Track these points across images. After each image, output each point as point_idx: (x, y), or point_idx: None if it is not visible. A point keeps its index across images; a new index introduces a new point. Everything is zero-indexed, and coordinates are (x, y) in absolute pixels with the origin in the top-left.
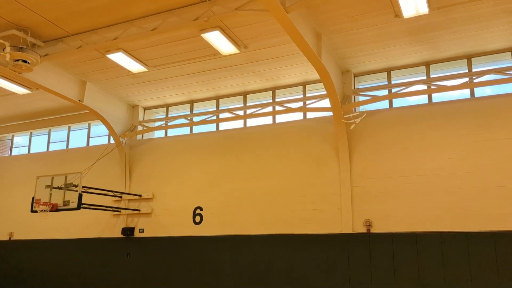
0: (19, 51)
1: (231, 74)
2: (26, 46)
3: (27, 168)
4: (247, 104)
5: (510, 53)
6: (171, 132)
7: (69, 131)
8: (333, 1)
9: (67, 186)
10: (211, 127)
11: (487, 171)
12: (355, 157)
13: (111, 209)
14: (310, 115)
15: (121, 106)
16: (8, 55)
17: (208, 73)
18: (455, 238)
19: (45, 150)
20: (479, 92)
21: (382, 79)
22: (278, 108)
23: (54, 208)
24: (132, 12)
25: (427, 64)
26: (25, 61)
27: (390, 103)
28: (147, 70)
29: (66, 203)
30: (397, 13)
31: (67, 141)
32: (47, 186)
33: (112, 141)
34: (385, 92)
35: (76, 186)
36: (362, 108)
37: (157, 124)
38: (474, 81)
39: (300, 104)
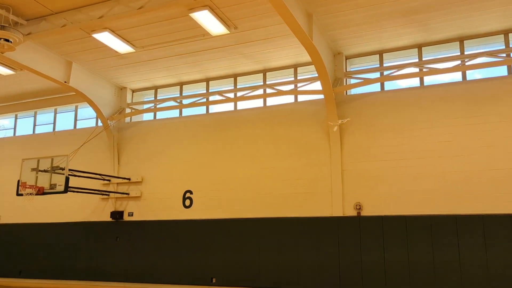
0: (1, 29)
1: (221, 55)
2: (8, 24)
3: (13, 151)
4: (238, 87)
5: (502, 35)
6: (160, 115)
7: (55, 113)
8: None
9: (54, 169)
10: (201, 110)
11: (477, 154)
12: (346, 140)
13: (100, 192)
14: (301, 98)
15: (109, 88)
16: None
17: (197, 55)
18: (444, 221)
19: (31, 133)
20: (471, 75)
21: (374, 62)
22: (268, 90)
23: (41, 192)
24: None
25: (419, 47)
26: (7, 40)
27: (382, 86)
28: (134, 50)
29: (52, 186)
30: None
31: (54, 123)
32: (33, 169)
33: (100, 123)
34: (377, 74)
35: (62, 169)
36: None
37: (145, 106)
38: (466, 64)
39: (291, 86)
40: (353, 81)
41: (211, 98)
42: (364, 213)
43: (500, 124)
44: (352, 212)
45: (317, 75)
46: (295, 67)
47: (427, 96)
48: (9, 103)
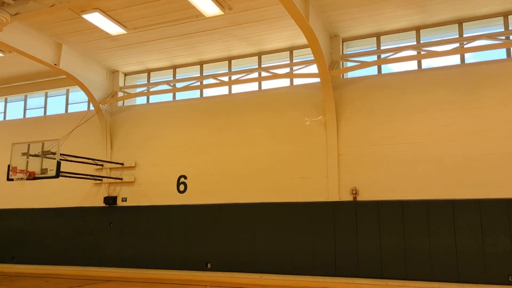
0: None
1: (215, 37)
2: None
3: (3, 135)
4: (232, 70)
5: (502, 18)
6: (153, 99)
7: (46, 97)
8: None
9: (45, 154)
10: (195, 94)
11: (474, 138)
12: (342, 124)
13: (92, 177)
14: (297, 81)
15: (101, 71)
16: None
17: (191, 37)
18: (441, 205)
19: (22, 117)
20: (470, 57)
21: (371, 45)
22: (264, 74)
23: (32, 176)
24: None
25: (417, 29)
26: None
27: (379, 69)
28: (126, 32)
29: (44, 171)
30: None
31: (45, 107)
32: (23, 154)
33: (91, 107)
34: (374, 58)
35: (54, 153)
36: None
37: (138, 90)
38: (465, 46)
39: (287, 70)
40: (349, 64)
41: (205, 82)
42: (360, 198)
43: (498, 107)
44: (348, 197)
45: (313, 58)
46: (290, 50)
47: (424, 80)
48: None
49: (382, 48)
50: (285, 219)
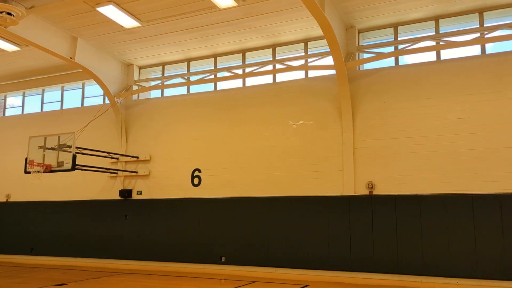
0: (3, 2)
1: (229, 29)
2: None
3: (22, 129)
4: (246, 63)
5: None
6: (168, 92)
7: (62, 91)
8: None
9: (61, 147)
10: (209, 87)
11: (494, 131)
12: (358, 118)
13: (108, 170)
14: (312, 73)
15: (116, 65)
16: None
17: (205, 29)
18: (459, 200)
19: (39, 110)
20: (490, 48)
21: (388, 35)
22: (278, 66)
23: (48, 169)
24: None
25: (436, 19)
26: (9, 14)
27: (396, 60)
28: (140, 25)
29: (60, 164)
30: None
31: (61, 101)
32: (40, 147)
33: (107, 101)
34: (391, 49)
35: (69, 146)
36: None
37: (153, 83)
38: (486, 36)
39: (302, 62)
40: (366, 55)
41: (219, 75)
42: (377, 192)
43: None
44: (364, 191)
45: (328, 49)
46: (305, 41)
47: (443, 71)
48: (16, 80)
49: (399, 39)
50: (299, 213)
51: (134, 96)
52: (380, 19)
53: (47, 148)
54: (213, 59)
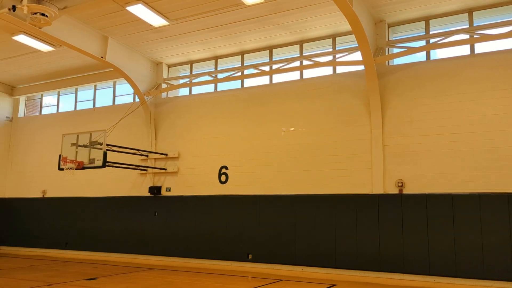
0: (37, 3)
1: (256, 26)
2: None
3: (57, 127)
4: (273, 59)
5: None
6: (196, 90)
7: (95, 89)
8: None
9: (92, 144)
10: (236, 84)
11: None
12: (388, 114)
13: (137, 167)
14: (340, 69)
15: (145, 63)
16: (26, 8)
17: (232, 26)
18: (494, 199)
19: (73, 109)
20: None
21: (419, 29)
22: (305, 62)
23: (80, 166)
24: None
25: (470, 11)
26: (43, 14)
27: (428, 55)
28: (168, 23)
29: (91, 161)
30: None
31: (94, 99)
32: (73, 144)
33: (137, 99)
34: (422, 43)
35: (101, 144)
36: None
37: (181, 81)
38: None
39: (330, 58)
40: (396, 50)
41: (246, 72)
42: (407, 190)
43: None
44: (393, 189)
45: (357, 45)
46: (333, 37)
47: (477, 65)
48: (52, 80)
49: (431, 32)
50: (327, 211)
51: (163, 94)
52: (410, 13)
53: (79, 146)
54: (240, 56)
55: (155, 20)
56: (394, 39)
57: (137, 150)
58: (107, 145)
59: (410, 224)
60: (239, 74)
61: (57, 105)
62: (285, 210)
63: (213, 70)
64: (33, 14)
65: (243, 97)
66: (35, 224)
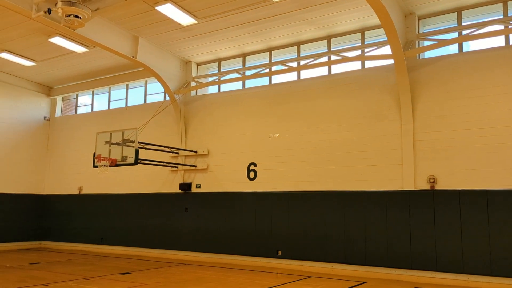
0: (70, 5)
1: (283, 22)
2: (77, 0)
3: (91, 126)
4: (301, 55)
5: None
6: (224, 88)
7: (127, 89)
8: None
9: (125, 142)
10: (264, 81)
11: None
12: (418, 108)
13: (168, 164)
14: (368, 64)
15: (175, 62)
16: (60, 10)
17: (259, 23)
18: None
19: (107, 108)
20: None
21: (451, 21)
22: (333, 57)
23: (114, 163)
24: None
25: (504, 1)
26: (76, 16)
27: (460, 47)
28: (196, 22)
29: (124, 158)
30: None
31: (126, 99)
32: (106, 142)
33: (167, 98)
34: (454, 35)
35: (133, 142)
36: None
37: (210, 79)
38: None
39: (358, 52)
40: (426, 43)
41: (274, 68)
42: (439, 186)
43: None
44: (425, 186)
45: (386, 38)
46: (362, 31)
47: None
48: (86, 80)
49: (463, 24)
50: (356, 208)
51: (193, 92)
52: (441, 4)
53: (112, 143)
54: (267, 53)
55: (184, 19)
56: (424, 31)
57: (168, 147)
58: (139, 142)
59: (442, 221)
60: (267, 70)
61: (92, 104)
62: (313, 206)
63: (241, 67)
64: (67, 16)
65: (271, 94)
66: (72, 220)
